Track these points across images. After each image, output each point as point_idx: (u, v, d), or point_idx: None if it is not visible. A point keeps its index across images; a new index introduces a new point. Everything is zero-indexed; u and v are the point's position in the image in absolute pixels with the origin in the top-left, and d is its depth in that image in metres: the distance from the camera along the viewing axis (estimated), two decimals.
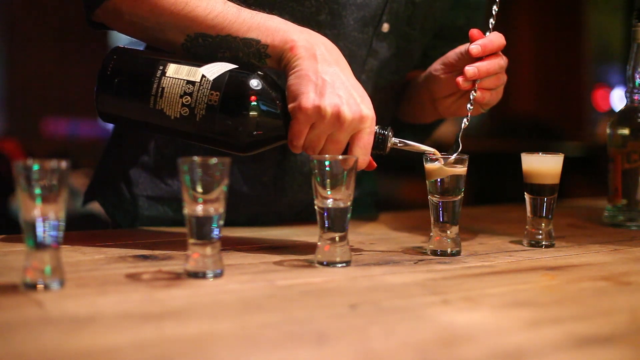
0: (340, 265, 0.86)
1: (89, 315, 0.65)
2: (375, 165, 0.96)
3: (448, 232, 0.95)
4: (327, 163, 0.84)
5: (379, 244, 1.02)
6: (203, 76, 0.91)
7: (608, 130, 1.24)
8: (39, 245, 0.71)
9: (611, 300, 0.76)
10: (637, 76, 1.22)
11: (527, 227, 1.03)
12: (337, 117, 0.89)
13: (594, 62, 6.20)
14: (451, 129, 5.16)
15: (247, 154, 0.94)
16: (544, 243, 1.02)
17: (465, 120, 1.04)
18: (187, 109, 0.91)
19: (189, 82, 0.91)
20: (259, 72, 0.93)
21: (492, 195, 3.96)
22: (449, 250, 0.95)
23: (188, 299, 0.71)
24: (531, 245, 1.02)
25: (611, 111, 5.71)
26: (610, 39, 6.23)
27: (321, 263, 0.86)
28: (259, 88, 0.91)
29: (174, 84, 0.91)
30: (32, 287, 0.71)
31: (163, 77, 0.92)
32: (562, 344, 0.60)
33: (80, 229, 1.09)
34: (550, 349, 0.59)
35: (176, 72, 0.92)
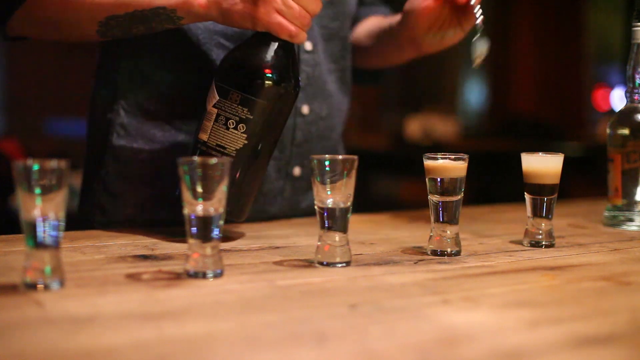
0: (340, 265, 0.86)
1: (89, 315, 0.65)
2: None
3: (448, 232, 0.95)
4: (327, 163, 0.84)
5: (379, 244, 1.02)
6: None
7: (608, 130, 1.24)
8: (39, 245, 0.71)
9: (611, 300, 0.76)
10: (637, 76, 1.22)
11: (527, 227, 1.03)
12: None
13: (594, 62, 6.20)
14: (452, 129, 5.15)
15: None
16: (544, 243, 1.02)
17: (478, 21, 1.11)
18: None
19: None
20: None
21: (492, 195, 3.96)
22: (449, 250, 0.95)
23: (188, 299, 0.71)
24: (531, 245, 1.02)
25: (611, 111, 5.71)
26: (610, 39, 6.23)
27: (321, 263, 0.86)
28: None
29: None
30: (32, 287, 0.71)
31: None
32: (562, 344, 0.60)
33: (80, 229, 1.09)
34: (550, 349, 0.59)
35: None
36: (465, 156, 0.95)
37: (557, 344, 0.60)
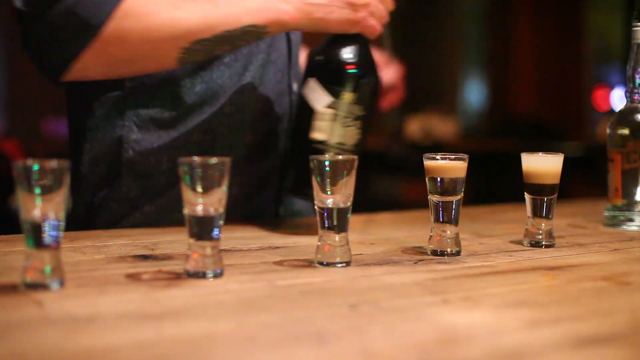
0: (340, 265, 0.86)
1: (89, 315, 0.64)
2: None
3: (448, 232, 0.95)
4: (327, 163, 0.84)
5: (379, 244, 1.02)
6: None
7: (608, 130, 1.24)
8: (39, 245, 0.71)
9: (611, 300, 0.76)
10: (637, 76, 1.22)
11: (527, 227, 1.03)
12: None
13: (594, 62, 6.20)
14: (452, 129, 5.14)
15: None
16: (544, 243, 1.02)
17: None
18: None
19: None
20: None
21: (492, 195, 3.96)
22: (449, 250, 0.95)
23: (188, 299, 0.71)
24: (531, 245, 1.02)
25: (611, 111, 5.71)
26: (610, 39, 6.23)
27: (321, 263, 0.86)
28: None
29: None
30: (32, 287, 0.71)
31: None
32: (562, 344, 0.60)
33: (80, 229, 1.09)
34: (550, 349, 0.59)
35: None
36: (465, 156, 0.95)
37: (557, 344, 0.60)
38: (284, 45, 1.23)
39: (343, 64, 1.07)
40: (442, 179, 0.94)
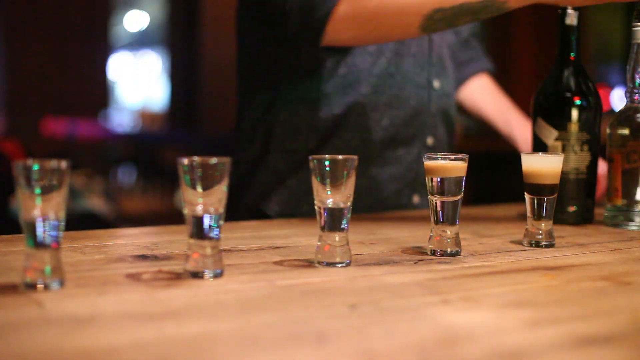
0: (340, 265, 0.86)
1: (89, 315, 0.65)
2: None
3: (448, 232, 0.95)
4: (327, 163, 0.84)
5: (379, 244, 1.02)
6: None
7: (608, 130, 1.24)
8: (39, 245, 0.71)
9: (611, 300, 0.76)
10: (637, 76, 1.22)
11: (527, 227, 1.03)
12: None
13: (594, 62, 6.20)
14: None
15: None
16: (544, 243, 1.02)
17: None
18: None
19: None
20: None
21: (492, 195, 3.95)
22: (449, 250, 0.95)
23: (188, 299, 0.71)
24: (531, 245, 1.02)
25: (611, 111, 5.71)
26: (610, 39, 6.23)
27: (321, 263, 0.86)
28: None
29: None
30: (32, 287, 0.71)
31: None
32: (562, 344, 0.60)
33: (80, 229, 1.09)
34: (550, 349, 0.59)
35: None
36: (465, 156, 0.95)
37: (557, 344, 0.60)
38: (425, 42, 1.36)
39: (561, 99, 1.23)
40: (442, 179, 0.94)
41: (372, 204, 1.35)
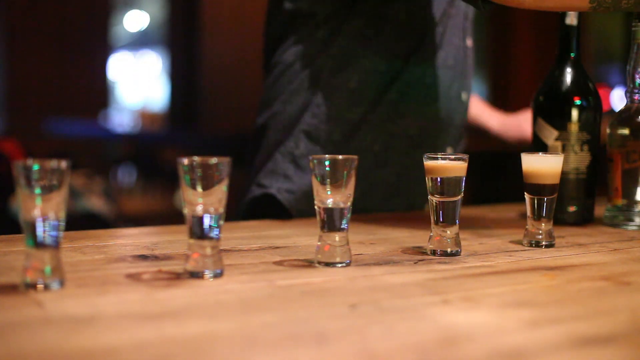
0: (340, 265, 0.86)
1: (89, 315, 0.65)
2: None
3: (448, 232, 0.95)
4: (327, 163, 0.84)
5: (379, 244, 1.02)
6: None
7: (608, 130, 1.24)
8: (39, 245, 0.71)
9: (611, 300, 0.76)
10: (637, 76, 1.22)
11: (527, 227, 1.03)
12: None
13: (594, 62, 6.20)
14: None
15: None
16: (544, 243, 1.02)
17: None
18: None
19: None
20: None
21: (492, 195, 3.96)
22: (449, 250, 0.95)
23: (188, 299, 0.71)
24: (531, 245, 1.02)
25: (611, 111, 5.71)
26: (610, 39, 6.23)
27: (321, 263, 0.86)
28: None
29: None
30: (32, 287, 0.71)
31: None
32: (562, 344, 0.60)
33: (80, 229, 1.09)
34: (550, 349, 0.59)
35: None
36: (465, 156, 0.95)
37: (557, 344, 0.60)
38: (461, 52, 1.39)
39: (562, 99, 1.23)
40: (442, 179, 0.94)
41: (398, 204, 1.40)
